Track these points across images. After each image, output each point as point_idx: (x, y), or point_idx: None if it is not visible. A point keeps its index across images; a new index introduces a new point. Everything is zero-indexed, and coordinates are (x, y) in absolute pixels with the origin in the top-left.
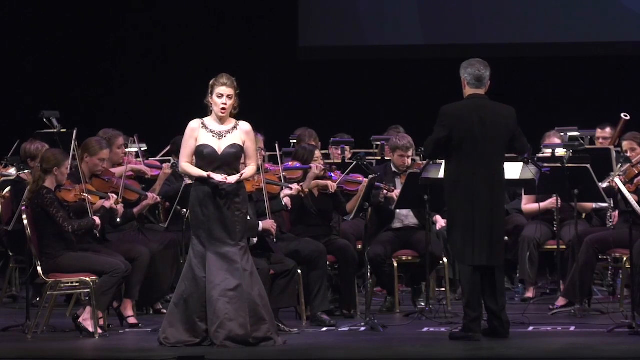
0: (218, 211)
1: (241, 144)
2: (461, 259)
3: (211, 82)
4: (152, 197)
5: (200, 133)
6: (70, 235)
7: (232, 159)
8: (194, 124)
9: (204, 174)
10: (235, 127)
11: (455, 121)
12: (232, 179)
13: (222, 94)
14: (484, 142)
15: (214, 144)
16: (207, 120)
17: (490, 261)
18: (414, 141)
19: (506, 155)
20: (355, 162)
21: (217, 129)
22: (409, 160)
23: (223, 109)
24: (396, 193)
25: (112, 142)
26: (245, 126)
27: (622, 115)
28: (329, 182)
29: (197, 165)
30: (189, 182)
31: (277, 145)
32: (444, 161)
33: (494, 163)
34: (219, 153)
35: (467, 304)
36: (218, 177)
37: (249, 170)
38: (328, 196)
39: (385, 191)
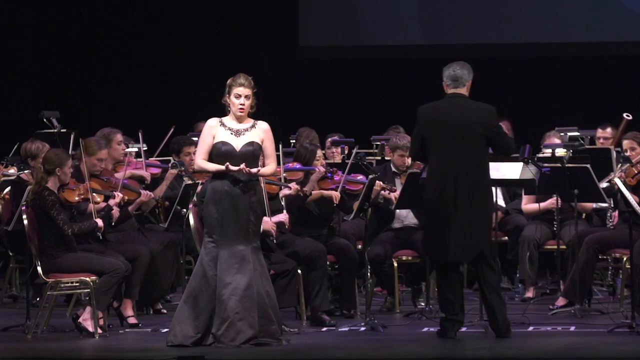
0: (233, 210)
1: (259, 142)
2: (429, 256)
3: (228, 82)
4: (146, 194)
5: (218, 131)
6: (71, 236)
7: (250, 157)
8: (212, 122)
9: (222, 167)
10: (253, 126)
11: (426, 121)
12: (251, 170)
13: (240, 95)
14: (454, 140)
15: (232, 142)
16: (225, 119)
17: (457, 257)
18: None
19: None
20: (352, 161)
21: (236, 127)
22: (409, 160)
23: (241, 109)
24: (395, 195)
25: (111, 138)
26: (263, 125)
27: (625, 115)
28: (333, 193)
29: (214, 163)
30: (189, 182)
31: (280, 146)
32: None
33: (466, 162)
34: (237, 150)
35: (441, 303)
36: (236, 167)
37: (268, 168)
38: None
39: (387, 191)
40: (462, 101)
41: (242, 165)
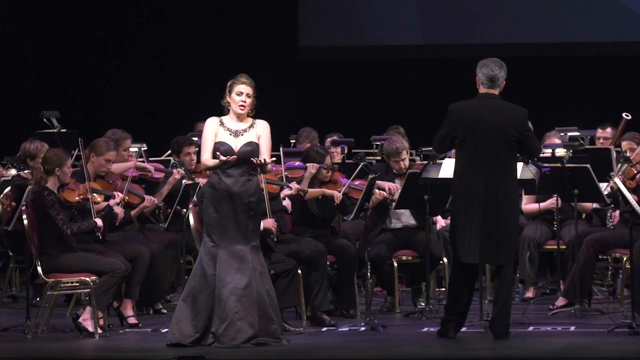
0: (232, 210)
1: (258, 142)
2: (456, 256)
3: (229, 82)
4: (149, 199)
5: (218, 131)
6: (71, 236)
7: (248, 157)
8: (213, 121)
9: (217, 161)
10: (252, 126)
11: (458, 119)
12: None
13: (242, 92)
14: (485, 141)
15: (231, 142)
16: (224, 118)
17: (483, 260)
18: (414, 141)
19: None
20: (361, 165)
21: (235, 127)
22: (406, 162)
23: (242, 106)
24: (396, 186)
25: (120, 144)
26: (262, 123)
27: (624, 115)
28: (335, 193)
29: None
30: (189, 182)
31: (280, 147)
32: (444, 161)
33: (496, 163)
34: (236, 151)
35: (448, 302)
36: (224, 158)
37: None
38: (332, 200)
39: (388, 199)
40: (495, 102)
41: (230, 157)
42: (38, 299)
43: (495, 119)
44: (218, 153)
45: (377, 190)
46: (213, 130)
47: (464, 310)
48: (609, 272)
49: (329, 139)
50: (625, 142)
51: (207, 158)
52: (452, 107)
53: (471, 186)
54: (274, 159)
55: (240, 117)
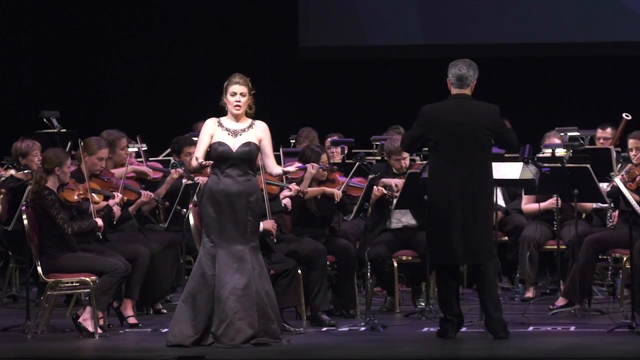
0: (231, 210)
1: (257, 143)
2: (435, 258)
3: (225, 84)
4: (146, 194)
5: (216, 131)
6: (71, 236)
7: (246, 157)
8: (210, 122)
9: (197, 163)
10: (250, 126)
11: (431, 121)
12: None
13: (236, 92)
14: (460, 142)
15: (229, 142)
16: (223, 119)
17: (465, 260)
18: None
19: (506, 155)
20: (357, 164)
21: (233, 127)
22: (407, 161)
23: (237, 106)
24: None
25: (116, 143)
26: (261, 125)
27: (624, 115)
28: (335, 191)
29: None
30: (189, 182)
31: (281, 148)
32: None
33: (472, 163)
34: (234, 151)
35: (440, 304)
36: (205, 162)
37: (276, 170)
38: (331, 198)
39: (388, 195)
40: (467, 102)
41: (205, 162)
42: (42, 297)
43: (468, 120)
44: (196, 157)
45: (375, 187)
46: (209, 132)
47: (458, 308)
48: (609, 272)
49: (329, 139)
50: (632, 140)
51: (193, 159)
52: (424, 109)
53: (447, 187)
54: (291, 168)
55: (237, 118)
